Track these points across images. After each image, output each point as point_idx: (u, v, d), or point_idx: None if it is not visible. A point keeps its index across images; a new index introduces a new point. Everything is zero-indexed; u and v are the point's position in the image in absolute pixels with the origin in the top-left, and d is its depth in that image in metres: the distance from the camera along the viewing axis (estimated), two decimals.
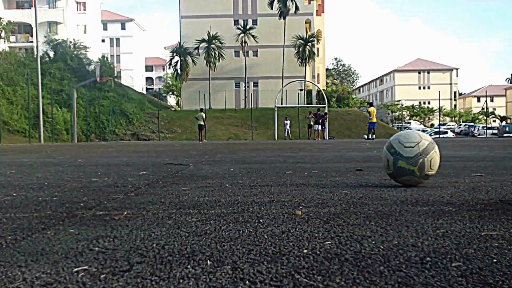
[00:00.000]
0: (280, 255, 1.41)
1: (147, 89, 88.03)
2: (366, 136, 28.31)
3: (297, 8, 48.63)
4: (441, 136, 43.42)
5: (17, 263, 1.37)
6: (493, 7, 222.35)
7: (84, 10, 60.54)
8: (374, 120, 24.24)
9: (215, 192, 3.03)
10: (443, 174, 4.11)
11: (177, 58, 51.31)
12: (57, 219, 2.09)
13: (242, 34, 50.58)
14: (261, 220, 2.00)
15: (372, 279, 1.18)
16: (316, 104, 46.31)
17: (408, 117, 73.77)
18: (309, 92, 54.20)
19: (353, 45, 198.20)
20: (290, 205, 2.43)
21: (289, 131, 35.33)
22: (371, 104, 27.07)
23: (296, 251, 1.46)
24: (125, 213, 2.24)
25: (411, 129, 53.38)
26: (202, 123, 26.19)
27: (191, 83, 51.69)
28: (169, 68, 57.56)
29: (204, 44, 49.77)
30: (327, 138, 32.16)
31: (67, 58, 43.83)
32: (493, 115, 68.14)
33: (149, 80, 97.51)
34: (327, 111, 31.39)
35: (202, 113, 26.63)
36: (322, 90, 42.42)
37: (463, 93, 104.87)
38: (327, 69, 76.83)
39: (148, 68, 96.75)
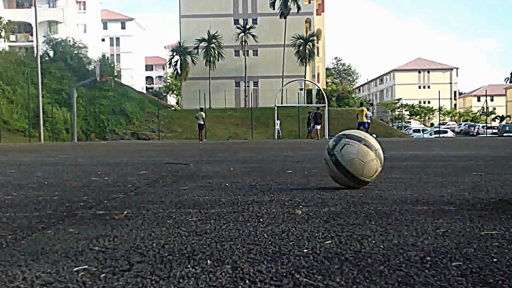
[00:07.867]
0: (280, 255, 1.41)
1: (147, 88, 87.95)
2: (375, 135, 30.27)
3: (298, 8, 48.61)
4: (441, 135, 43.41)
5: (17, 262, 1.37)
6: (493, 6, 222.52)
7: (84, 9, 60.54)
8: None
9: (215, 192, 3.02)
10: (443, 174, 4.11)
11: (177, 57, 51.30)
12: (57, 219, 2.09)
13: (242, 34, 50.56)
14: (261, 220, 2.00)
15: (372, 279, 1.18)
16: (316, 103, 46.29)
17: (408, 117, 73.67)
18: (309, 92, 54.15)
19: (353, 44, 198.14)
20: (290, 204, 2.43)
21: (280, 131, 35.30)
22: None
23: (296, 250, 1.46)
24: (125, 212, 2.24)
25: (411, 128, 53.22)
26: (202, 122, 26.14)
27: (191, 82, 51.64)
28: (169, 67, 57.54)
29: (204, 44, 49.76)
30: (327, 138, 32.15)
31: (67, 58, 43.79)
32: (494, 114, 68.05)
33: (149, 79, 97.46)
34: (319, 106, 31.51)
35: (202, 112, 26.60)
36: (322, 90, 42.40)
37: (463, 92, 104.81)
38: (327, 69, 76.72)
39: (148, 68, 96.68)
